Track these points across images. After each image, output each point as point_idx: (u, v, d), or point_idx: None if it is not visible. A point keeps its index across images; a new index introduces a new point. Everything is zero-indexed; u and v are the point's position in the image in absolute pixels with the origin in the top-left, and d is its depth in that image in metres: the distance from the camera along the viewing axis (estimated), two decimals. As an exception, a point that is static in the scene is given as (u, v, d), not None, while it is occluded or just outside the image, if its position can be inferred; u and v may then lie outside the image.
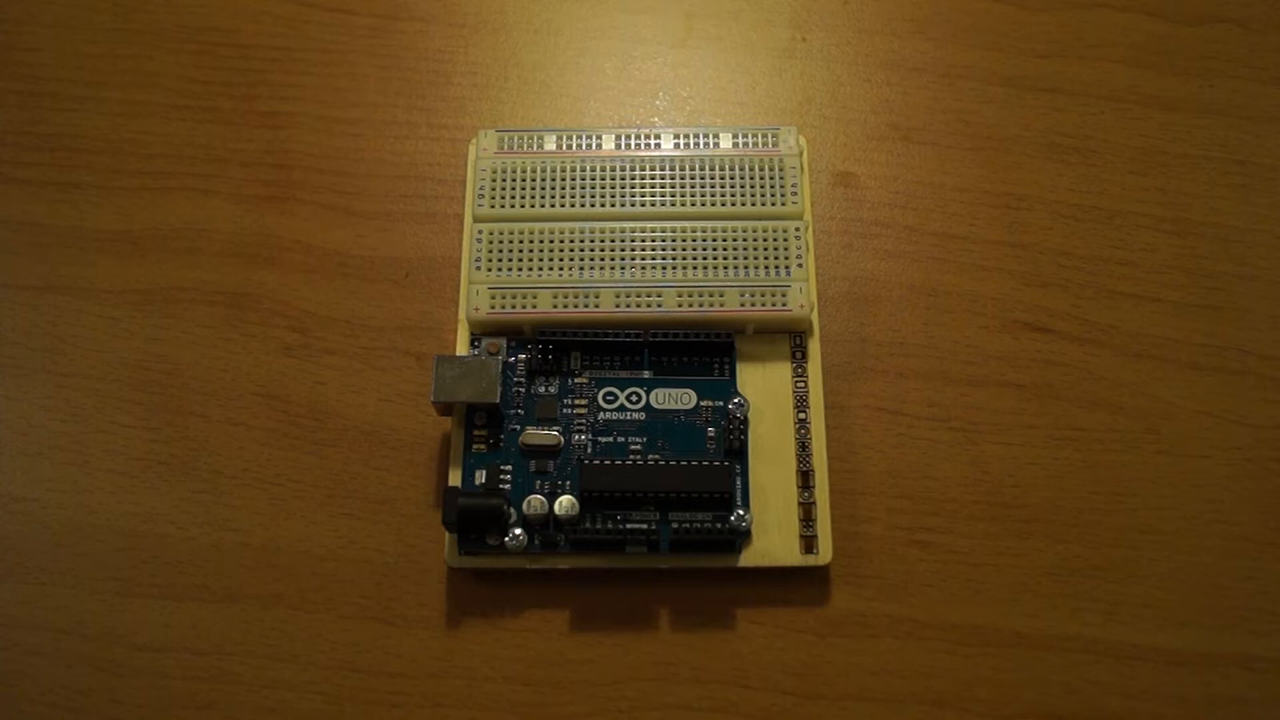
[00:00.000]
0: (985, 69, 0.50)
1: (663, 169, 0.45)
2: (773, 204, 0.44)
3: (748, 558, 0.41)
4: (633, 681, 0.40)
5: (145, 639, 0.41)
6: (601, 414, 0.42)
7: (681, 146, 0.45)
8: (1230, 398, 0.44)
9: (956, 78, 0.50)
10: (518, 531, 0.40)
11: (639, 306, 0.42)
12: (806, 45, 0.51)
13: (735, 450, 0.42)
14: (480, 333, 0.44)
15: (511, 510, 0.41)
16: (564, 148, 0.45)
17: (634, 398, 0.42)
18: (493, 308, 0.43)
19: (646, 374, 0.43)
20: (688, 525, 0.40)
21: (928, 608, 0.41)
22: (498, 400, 0.41)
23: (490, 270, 0.43)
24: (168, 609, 0.42)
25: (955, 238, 0.47)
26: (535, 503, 0.40)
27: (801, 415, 0.42)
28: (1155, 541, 0.42)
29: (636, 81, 0.51)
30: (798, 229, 0.44)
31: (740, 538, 0.40)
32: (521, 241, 0.44)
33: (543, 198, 0.44)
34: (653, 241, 0.43)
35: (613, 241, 0.43)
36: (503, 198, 0.44)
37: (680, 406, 0.42)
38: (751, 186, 0.44)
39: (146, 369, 0.45)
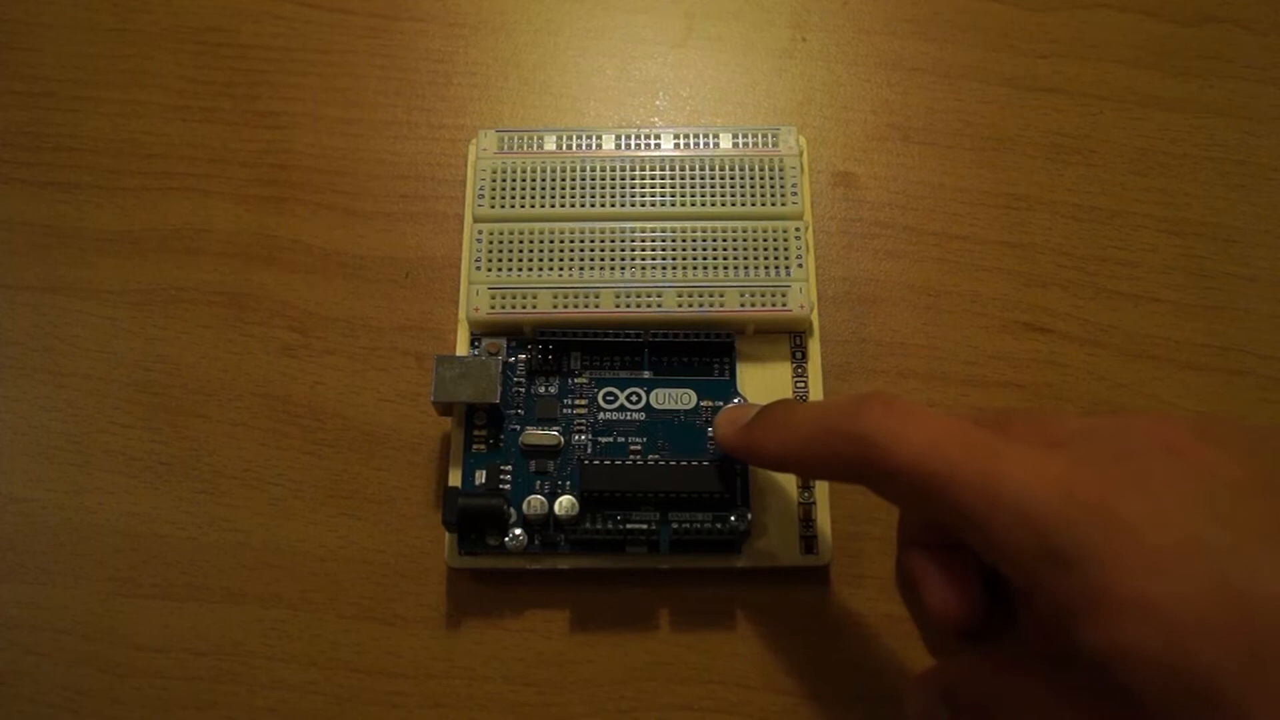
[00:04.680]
0: (985, 69, 0.50)
1: (663, 169, 0.45)
2: (773, 204, 0.44)
3: (748, 558, 0.41)
4: (633, 681, 0.40)
5: (145, 639, 0.41)
6: (601, 414, 0.42)
7: (681, 146, 0.45)
8: (1230, 398, 0.44)
9: (956, 78, 0.50)
10: (518, 532, 0.40)
11: (639, 306, 0.42)
12: (806, 45, 0.51)
13: (735, 450, 0.42)
14: (480, 333, 0.44)
15: (511, 510, 0.41)
16: (564, 148, 0.45)
17: (634, 398, 0.42)
18: (493, 308, 0.43)
19: (646, 374, 0.43)
20: (688, 526, 0.40)
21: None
22: (498, 400, 0.41)
23: (490, 270, 0.43)
24: (168, 609, 0.42)
25: (955, 238, 0.47)
26: (535, 503, 0.40)
27: (802, 415, 0.42)
28: (1155, 542, 0.42)
29: (636, 81, 0.51)
30: (798, 229, 0.44)
31: (740, 538, 0.40)
32: (521, 241, 0.44)
33: (543, 198, 0.44)
34: (653, 242, 0.43)
35: (613, 242, 0.43)
36: (503, 198, 0.44)
37: (680, 407, 0.42)
38: (751, 187, 0.44)
39: (146, 369, 0.45)
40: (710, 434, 0.42)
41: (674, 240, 0.43)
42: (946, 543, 0.39)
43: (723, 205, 0.44)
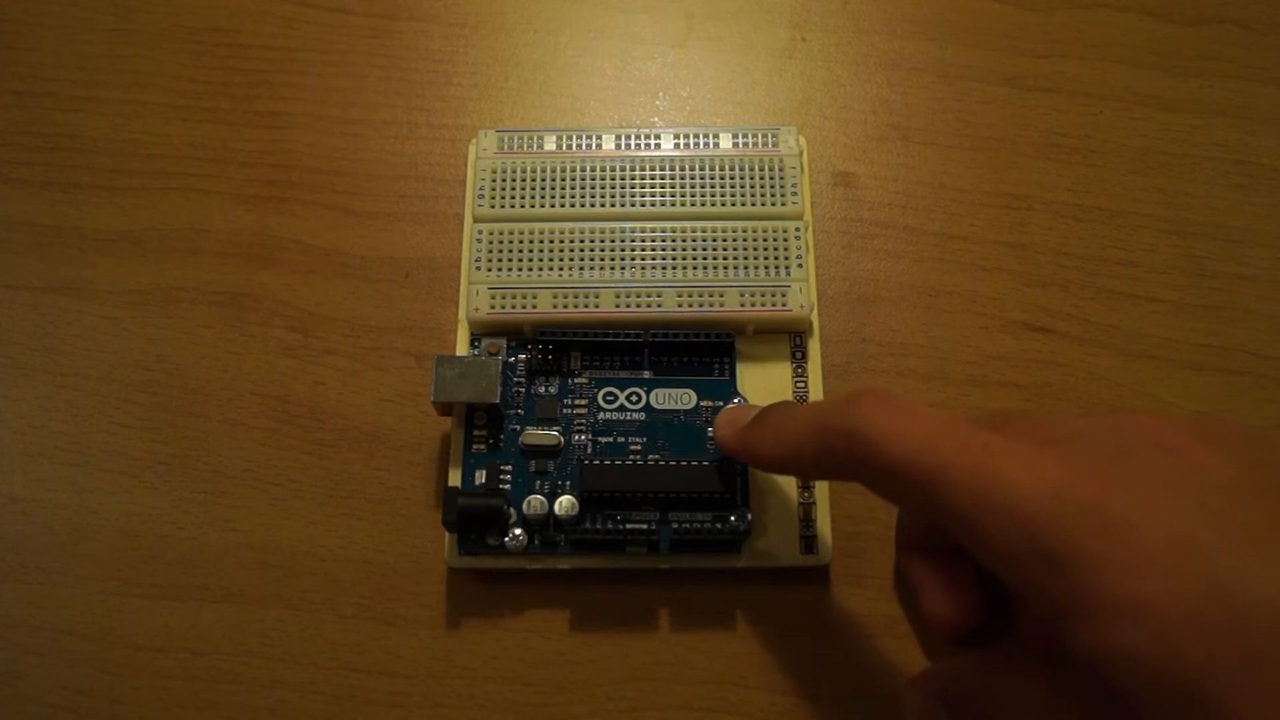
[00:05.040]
0: (985, 69, 0.50)
1: (663, 169, 0.45)
2: (773, 204, 0.44)
3: (748, 558, 0.41)
4: (633, 681, 0.40)
5: (145, 639, 0.41)
6: (601, 414, 0.42)
7: (682, 146, 0.45)
8: (1230, 398, 0.44)
9: (956, 78, 0.50)
10: (518, 532, 0.40)
11: (639, 306, 0.42)
12: (806, 45, 0.51)
13: (735, 450, 0.41)
14: (480, 333, 0.44)
15: (511, 510, 0.41)
16: (564, 148, 0.45)
17: (634, 398, 0.42)
18: (493, 308, 0.43)
19: (646, 374, 0.43)
20: (688, 526, 0.40)
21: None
22: (498, 400, 0.41)
23: (490, 270, 0.43)
24: (168, 609, 0.42)
25: (955, 238, 0.47)
26: (535, 503, 0.40)
27: (802, 416, 0.42)
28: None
29: (636, 81, 0.51)
30: (798, 229, 0.43)
31: (740, 538, 0.40)
32: (522, 241, 0.43)
33: (543, 198, 0.44)
34: (653, 242, 0.43)
35: (613, 242, 0.43)
36: (503, 198, 0.44)
37: (680, 407, 0.42)
38: (752, 187, 0.44)
39: (146, 369, 0.45)
40: (710, 434, 0.42)
41: (674, 240, 0.43)
42: (945, 547, 0.39)
43: (723, 205, 0.44)
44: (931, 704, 0.35)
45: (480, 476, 0.41)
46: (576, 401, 0.42)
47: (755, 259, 0.43)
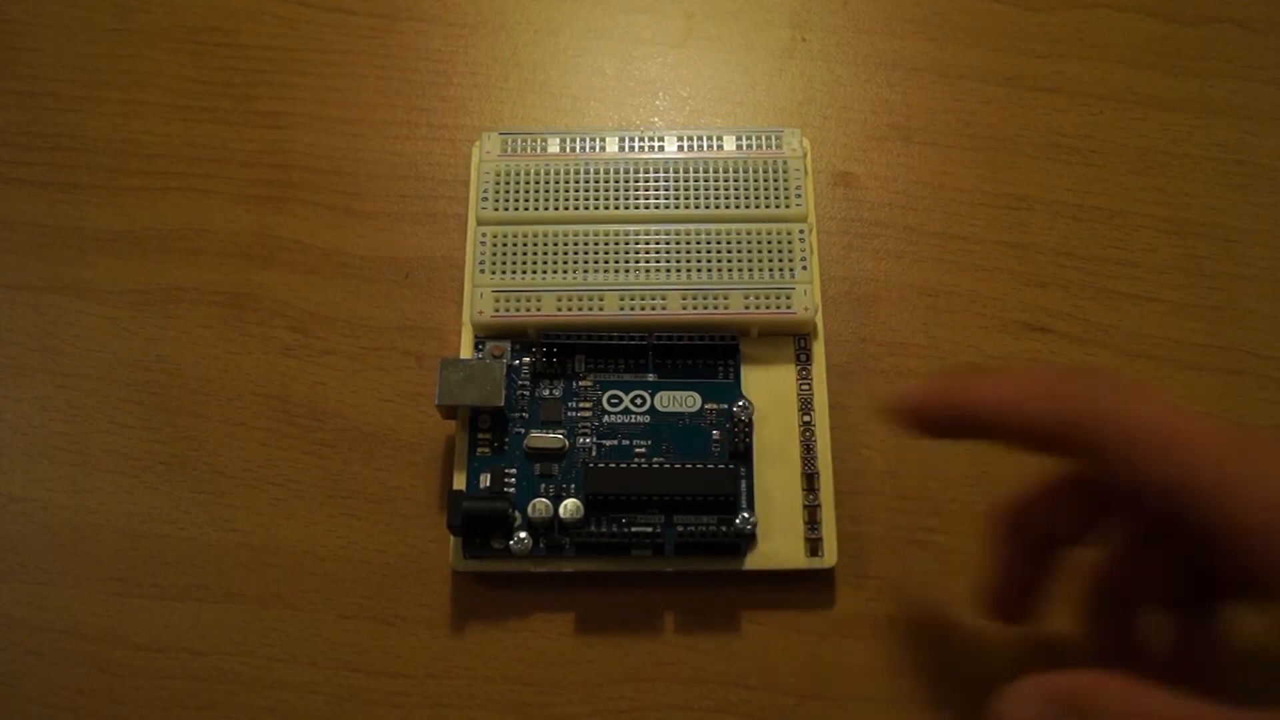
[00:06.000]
0: (985, 69, 0.50)
1: (667, 171, 0.45)
2: (777, 206, 0.44)
3: (753, 561, 0.41)
4: (633, 681, 0.40)
5: (145, 639, 0.41)
6: (606, 417, 0.42)
7: (685, 149, 0.45)
8: (1230, 398, 0.44)
9: (956, 78, 0.50)
10: (522, 535, 0.40)
11: (643, 309, 0.42)
12: (806, 45, 0.51)
13: (740, 453, 0.42)
14: (484, 336, 0.43)
15: (516, 514, 0.41)
16: (567, 150, 0.45)
17: (638, 400, 0.42)
18: (497, 311, 0.43)
19: (651, 377, 0.43)
20: (693, 529, 0.40)
21: (927, 608, 0.41)
22: (502, 404, 0.41)
23: (494, 273, 0.43)
24: (168, 609, 0.42)
25: (955, 238, 0.47)
26: (540, 506, 0.40)
27: (806, 418, 0.42)
28: (1156, 543, 0.42)
29: (636, 81, 0.51)
30: (802, 231, 0.43)
31: (745, 541, 0.40)
32: (525, 244, 0.43)
33: (546, 200, 0.44)
34: (657, 244, 0.43)
35: (617, 244, 0.43)
36: (506, 201, 0.44)
37: (685, 409, 0.42)
38: (755, 189, 0.44)
39: (146, 369, 0.45)
40: (715, 436, 0.42)
41: (678, 242, 0.43)
42: (1065, 537, 0.35)
43: (727, 208, 0.44)
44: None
45: (485, 480, 0.41)
46: (581, 404, 0.42)
47: (760, 261, 0.43)
